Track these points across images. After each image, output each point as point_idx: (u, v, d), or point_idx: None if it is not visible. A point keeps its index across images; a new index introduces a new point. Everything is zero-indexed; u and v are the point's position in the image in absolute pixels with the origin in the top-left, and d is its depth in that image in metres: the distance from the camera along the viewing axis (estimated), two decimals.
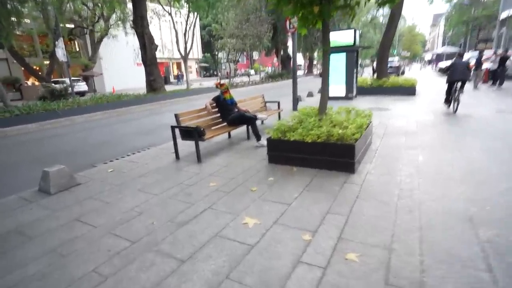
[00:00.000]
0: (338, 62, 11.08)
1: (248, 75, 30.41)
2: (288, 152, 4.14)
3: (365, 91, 12.18)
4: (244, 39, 22.56)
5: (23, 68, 19.90)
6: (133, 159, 5.09)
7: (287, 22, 8.75)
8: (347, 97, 11.23)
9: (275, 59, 56.79)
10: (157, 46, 15.11)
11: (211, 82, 31.06)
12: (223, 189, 3.51)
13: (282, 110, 7.17)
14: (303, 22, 4.62)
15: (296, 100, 9.27)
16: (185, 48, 17.42)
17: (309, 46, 31.17)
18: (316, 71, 46.86)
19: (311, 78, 33.24)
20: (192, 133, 4.52)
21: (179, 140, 4.88)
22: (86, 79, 25.42)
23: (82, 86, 22.87)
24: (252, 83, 22.35)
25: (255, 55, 49.47)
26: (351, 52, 10.82)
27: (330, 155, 3.85)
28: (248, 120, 5.38)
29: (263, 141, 5.26)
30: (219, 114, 5.58)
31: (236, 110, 5.76)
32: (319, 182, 3.53)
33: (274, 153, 4.30)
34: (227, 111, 5.52)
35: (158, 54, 32.29)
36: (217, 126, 5.45)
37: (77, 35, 21.38)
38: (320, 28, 5.09)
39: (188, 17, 17.40)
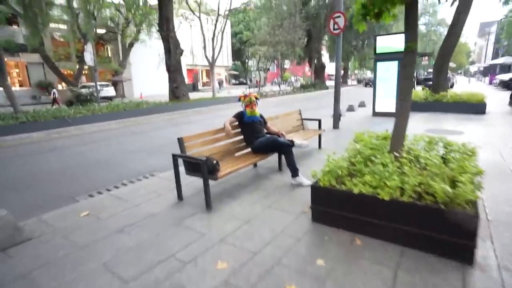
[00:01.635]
0: (388, 71, 9.31)
1: (279, 84, 29.03)
2: (347, 211, 2.57)
3: (418, 106, 10.22)
4: (276, 46, 21.26)
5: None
6: (123, 194, 3.77)
7: (331, 22, 7.21)
8: None
9: (307, 68, 55.20)
10: (182, 51, 14.20)
11: (239, 91, 30.08)
12: (238, 283, 2.01)
13: (324, 131, 5.60)
14: (370, 9, 3.09)
15: (338, 116, 7.64)
16: (213, 53, 16.42)
17: (345, 54, 29.23)
18: (350, 81, 44.59)
19: (346, 89, 31.15)
20: (200, 168, 3.10)
21: (183, 170, 3.49)
22: (115, 84, 25.41)
23: (110, 91, 22.72)
24: (283, 93, 20.92)
25: (286, 63, 48.21)
26: None
27: (425, 226, 2.22)
28: (282, 147, 3.88)
29: (303, 179, 3.73)
30: (242, 137, 4.16)
31: (266, 131, 4.31)
32: (411, 284, 1.92)
33: (322, 208, 2.74)
34: (253, 133, 4.07)
35: (187, 60, 31.91)
36: (239, 153, 4.01)
37: (108, 40, 21.30)
38: (387, 22, 3.52)
39: (217, 21, 16.44)
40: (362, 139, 3.49)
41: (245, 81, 47.60)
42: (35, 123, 8.29)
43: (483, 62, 52.41)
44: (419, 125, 7.77)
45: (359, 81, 45.07)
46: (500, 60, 24.45)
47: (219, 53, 16.79)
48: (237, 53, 47.19)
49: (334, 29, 7.22)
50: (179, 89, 14.30)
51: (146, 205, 3.41)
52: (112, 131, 9.24)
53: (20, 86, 23.91)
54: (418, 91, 10.97)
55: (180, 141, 3.29)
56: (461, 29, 9.82)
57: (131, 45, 24.38)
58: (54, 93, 16.99)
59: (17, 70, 23.63)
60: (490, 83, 25.26)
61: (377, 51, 9.40)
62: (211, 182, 3.36)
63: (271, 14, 20.15)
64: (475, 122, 7.86)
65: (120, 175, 4.78)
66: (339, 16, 7.04)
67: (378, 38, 9.45)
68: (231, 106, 15.47)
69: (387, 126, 7.68)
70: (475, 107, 9.46)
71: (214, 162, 3.15)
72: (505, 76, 19.84)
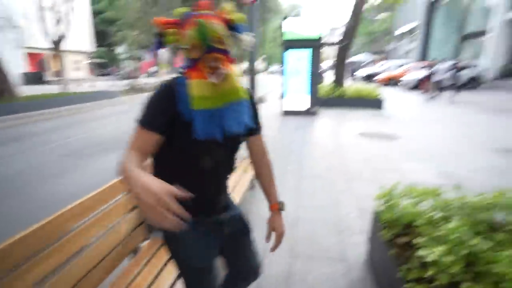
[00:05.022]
0: (299, 61, 7.86)
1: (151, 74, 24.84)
2: None
3: (324, 102, 9.36)
4: (151, 29, 17.39)
5: None
6: None
7: None
8: (309, 112, 8.12)
9: None
10: None
11: (108, 83, 24.34)
12: None
13: None
14: None
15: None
16: (58, 30, 11.35)
17: None
18: None
19: None
20: None
21: None
22: None
23: None
24: None
25: (163, 52, 43.23)
26: (317, 49, 7.74)
27: None
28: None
29: None
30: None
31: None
32: None
33: None
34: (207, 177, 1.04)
35: (27, 41, 23.52)
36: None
37: None
38: None
39: None
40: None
41: (109, 71, 39.69)
42: None
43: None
44: (344, 126, 6.59)
45: None
46: (360, 57, 28.35)
47: (67, 30, 11.85)
48: (102, 37, 38.97)
49: None
50: None
51: None
52: None
53: None
54: (323, 86, 10.19)
55: None
56: (360, 9, 9.31)
57: None
58: None
59: None
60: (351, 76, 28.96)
61: (285, 37, 7.78)
62: None
63: None
64: (393, 121, 7.29)
65: None
66: None
67: (285, 21, 7.81)
68: (96, 105, 11.23)
69: (310, 130, 5.88)
70: (374, 103, 9.25)
71: None
72: (364, 72, 22.76)
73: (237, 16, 0.96)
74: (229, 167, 1.10)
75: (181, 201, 0.67)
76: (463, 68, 12.36)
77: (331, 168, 3.95)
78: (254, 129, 1.10)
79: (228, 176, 1.12)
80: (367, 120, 7.43)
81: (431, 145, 5.08)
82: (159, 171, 1.01)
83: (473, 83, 14.59)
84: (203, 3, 0.93)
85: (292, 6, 45.78)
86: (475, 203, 1.62)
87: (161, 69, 35.33)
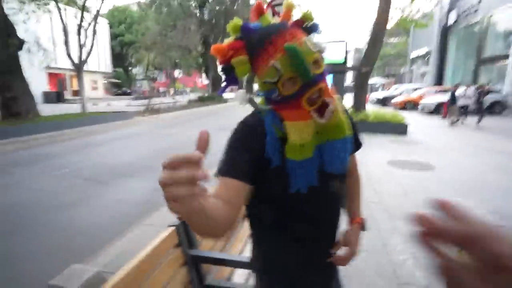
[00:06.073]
0: None
1: (173, 96, 25.27)
2: None
3: None
4: (168, 51, 17.81)
5: None
6: None
7: (269, 12, 4.88)
8: None
9: (199, 79, 52.73)
10: (23, 41, 9.21)
11: (123, 102, 24.88)
12: None
13: None
14: None
15: None
16: (80, 52, 11.72)
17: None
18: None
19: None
20: None
21: None
22: None
23: None
24: (180, 107, 17.67)
25: (177, 73, 44.36)
26: (341, 74, 7.63)
27: None
28: None
29: None
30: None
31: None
32: None
33: None
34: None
35: (49, 62, 24.56)
36: None
37: None
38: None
39: (83, 11, 11.70)
40: None
41: (129, 91, 40.77)
42: None
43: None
44: (372, 153, 6.30)
45: None
46: (372, 80, 28.41)
47: (89, 53, 12.20)
48: (118, 58, 40.41)
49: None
50: (17, 102, 9.12)
51: None
52: None
53: None
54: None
55: None
56: (382, 34, 9.17)
57: None
58: None
59: None
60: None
61: None
62: None
63: (162, 12, 16.65)
64: (421, 148, 6.98)
65: None
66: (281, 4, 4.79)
67: None
68: (112, 126, 11.31)
69: None
70: (398, 128, 8.96)
71: None
72: (379, 95, 22.58)
73: (306, 13, 0.72)
74: (335, 210, 0.90)
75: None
76: (488, 92, 12.03)
77: (368, 203, 3.66)
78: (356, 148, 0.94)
79: (337, 222, 0.92)
80: (394, 146, 7.14)
81: (469, 176, 4.74)
82: (256, 233, 0.90)
83: (498, 108, 14.23)
84: (258, 5, 0.72)
85: None
86: None
87: (171, 89, 35.71)
